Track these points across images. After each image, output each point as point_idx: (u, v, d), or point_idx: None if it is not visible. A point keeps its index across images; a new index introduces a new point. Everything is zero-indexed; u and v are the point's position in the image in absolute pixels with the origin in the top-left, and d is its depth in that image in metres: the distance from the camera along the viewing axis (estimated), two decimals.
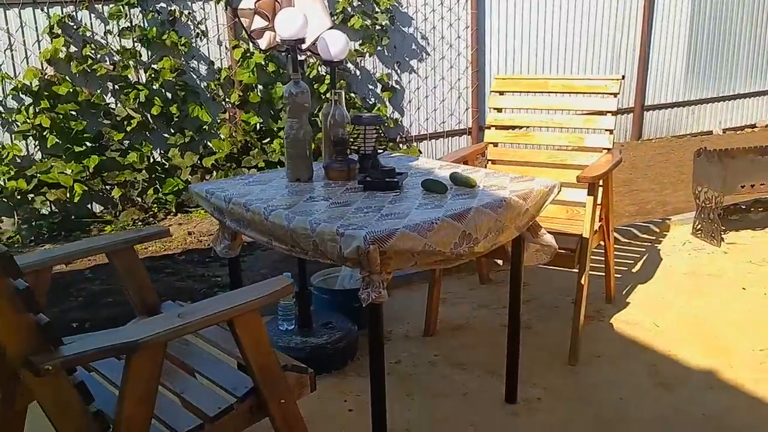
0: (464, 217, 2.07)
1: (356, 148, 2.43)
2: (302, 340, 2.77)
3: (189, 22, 5.41)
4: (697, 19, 8.08)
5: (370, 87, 6.54)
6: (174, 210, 5.17)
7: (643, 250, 3.99)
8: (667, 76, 8.14)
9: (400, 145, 6.64)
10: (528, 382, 2.65)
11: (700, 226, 4.09)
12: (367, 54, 6.35)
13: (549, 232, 2.87)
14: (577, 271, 2.82)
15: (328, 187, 2.38)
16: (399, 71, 6.67)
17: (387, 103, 6.57)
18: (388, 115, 6.58)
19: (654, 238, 4.16)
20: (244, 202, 2.19)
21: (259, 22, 2.50)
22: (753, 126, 8.78)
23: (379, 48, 6.39)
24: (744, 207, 4.15)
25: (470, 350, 2.94)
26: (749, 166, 3.88)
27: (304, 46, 2.48)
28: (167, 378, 1.81)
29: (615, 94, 3.10)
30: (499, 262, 3.66)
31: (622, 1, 7.64)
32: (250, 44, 5.51)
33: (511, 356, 2.55)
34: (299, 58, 2.39)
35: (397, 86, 6.68)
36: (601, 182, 2.92)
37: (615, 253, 3.91)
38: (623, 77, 3.17)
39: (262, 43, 2.53)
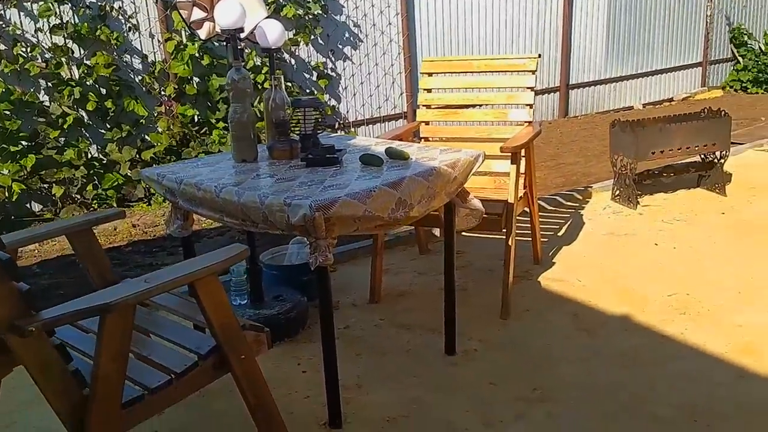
0: (399, 185, 2.29)
1: (297, 129, 2.62)
2: (255, 312, 2.95)
3: (120, 17, 5.44)
4: (614, 1, 8.53)
5: (307, 75, 6.69)
6: (115, 205, 5.22)
7: (568, 215, 4.32)
8: (588, 56, 8.57)
9: (339, 131, 6.83)
10: (465, 336, 2.90)
11: (618, 191, 4.45)
12: (302, 43, 6.50)
13: (484, 201, 3.15)
14: (505, 236, 3.08)
15: (273, 166, 2.56)
16: (333, 59, 6.84)
17: (324, 91, 6.74)
18: (326, 102, 6.75)
19: (578, 204, 4.50)
20: (195, 182, 2.36)
21: (198, 14, 2.65)
22: (671, 100, 9.34)
23: (312, 37, 6.55)
24: (657, 172, 4.53)
25: (412, 313, 3.18)
26: (658, 134, 4.25)
27: (243, 35, 2.64)
28: (135, 344, 1.97)
29: (533, 72, 3.37)
30: (436, 232, 3.95)
31: None
32: (184, 36, 5.59)
33: (448, 313, 2.80)
34: (239, 46, 2.55)
35: (333, 74, 6.86)
36: (523, 153, 3.20)
37: (542, 220, 4.25)
38: (540, 56, 3.45)
39: (202, 33, 2.68)
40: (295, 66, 6.59)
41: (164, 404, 1.90)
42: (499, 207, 3.07)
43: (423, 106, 3.59)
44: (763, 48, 9.67)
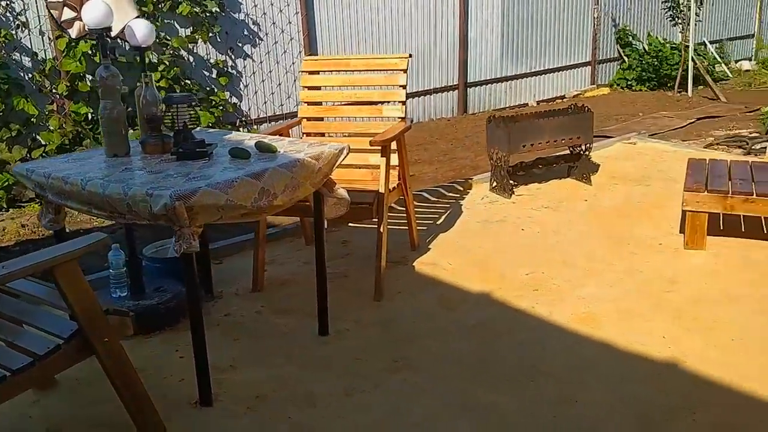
0: (262, 175, 2.47)
1: (170, 124, 2.75)
2: (135, 303, 3.05)
3: (8, 14, 5.34)
4: (508, 4, 8.97)
5: (206, 73, 6.73)
6: (5, 206, 5.14)
7: (448, 206, 4.61)
8: (485, 55, 8.98)
9: (240, 128, 6.91)
10: (339, 318, 3.11)
11: (495, 182, 4.78)
12: (200, 41, 6.54)
13: (354, 191, 3.36)
14: (384, 224, 3.30)
15: (145, 160, 2.69)
16: (233, 57, 6.91)
17: (224, 89, 6.80)
18: (227, 100, 6.82)
19: (458, 195, 4.80)
20: (62, 176, 2.45)
21: (68, 13, 2.73)
22: (563, 97, 9.88)
23: (211, 34, 6.60)
24: (529, 164, 4.89)
25: (293, 299, 3.36)
26: (528, 129, 4.60)
27: (112, 34, 2.74)
28: (6, 333, 2.07)
29: (404, 70, 3.61)
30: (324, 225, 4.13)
31: None
32: None
33: (320, 296, 3.00)
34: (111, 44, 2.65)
35: (233, 71, 6.93)
36: (395, 147, 3.44)
37: (424, 210, 4.52)
38: (410, 56, 3.70)
39: (73, 32, 2.77)
40: (194, 63, 6.62)
41: (28, 385, 2.01)
42: (371, 196, 3.29)
43: (304, 103, 3.77)
44: (646, 48, 10.38)
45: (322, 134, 3.88)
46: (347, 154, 2.86)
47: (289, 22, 7.24)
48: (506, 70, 9.25)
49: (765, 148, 5.44)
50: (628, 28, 10.57)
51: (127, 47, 5.10)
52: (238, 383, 2.66)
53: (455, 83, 8.79)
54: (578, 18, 9.88)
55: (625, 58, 10.45)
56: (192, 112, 2.75)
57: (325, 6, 7.51)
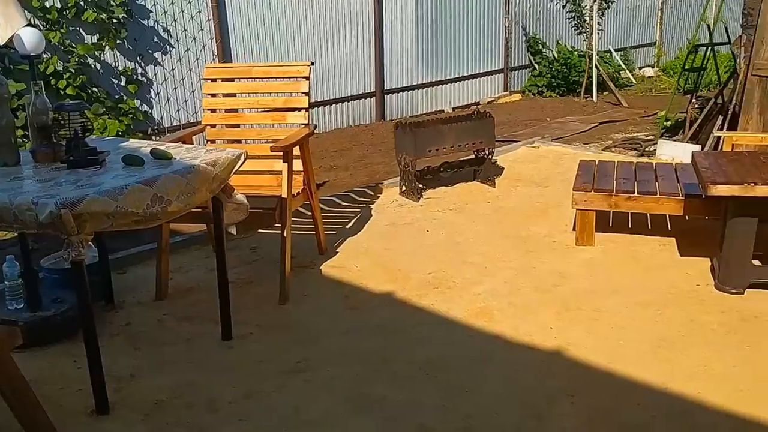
0: (155, 182, 2.48)
1: (63, 133, 2.71)
2: (31, 315, 2.99)
3: None
4: (422, 13, 9.18)
5: (114, 81, 6.60)
6: None
7: (359, 210, 4.70)
8: (401, 63, 9.15)
9: (152, 137, 6.79)
10: (244, 323, 3.14)
11: (404, 187, 4.91)
12: (108, 48, 6.41)
13: (258, 197, 3.40)
14: (287, 229, 3.35)
15: (35, 169, 2.65)
16: (143, 64, 6.81)
17: (134, 96, 6.68)
18: (137, 108, 6.70)
19: (369, 200, 4.90)
20: None
21: None
22: (477, 103, 10.18)
23: (119, 41, 6.47)
24: (437, 168, 5.04)
25: (197, 306, 3.37)
26: (434, 134, 4.75)
27: (0, 42, 2.69)
28: None
29: (307, 78, 3.68)
30: (232, 231, 4.15)
31: (356, 2, 8.44)
32: None
33: (222, 301, 3.02)
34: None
35: (143, 79, 6.82)
36: (298, 153, 3.50)
37: (334, 214, 4.59)
38: (312, 63, 3.78)
39: None
40: (101, 71, 6.48)
41: None
42: (274, 201, 3.34)
43: (207, 110, 3.79)
44: (555, 56, 10.83)
45: (239, 141, 3.90)
46: (245, 160, 2.90)
47: (201, 29, 7.18)
48: (422, 77, 9.46)
49: (655, 149, 5.80)
50: (538, 36, 11.00)
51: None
52: (137, 391, 2.65)
53: (372, 90, 8.93)
54: (490, 27, 10.22)
55: (536, 66, 10.87)
56: (84, 120, 2.73)
57: (239, 13, 7.49)
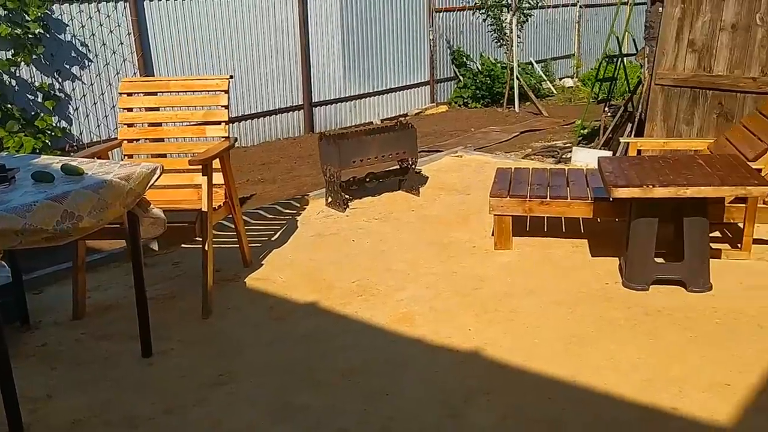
0: (65, 198, 2.44)
1: None
2: None
3: None
4: (348, 27, 9.28)
5: (30, 97, 6.40)
6: None
7: (284, 222, 4.72)
8: (328, 76, 9.21)
9: (71, 153, 6.61)
10: (165, 339, 3.11)
11: (330, 197, 4.95)
12: (23, 63, 6.22)
13: (179, 211, 3.38)
14: (209, 242, 3.34)
15: None
16: (61, 80, 6.63)
17: (52, 113, 6.49)
18: (54, 125, 6.51)
19: (295, 211, 4.92)
20: None
21: None
22: (405, 115, 10.34)
23: (35, 57, 6.29)
24: (362, 179, 5.11)
25: (116, 324, 3.31)
26: (358, 145, 4.83)
27: None
28: None
29: (225, 91, 3.69)
30: (154, 246, 4.10)
31: (279, 11, 8.48)
32: None
33: (141, 317, 2.98)
34: None
35: (61, 94, 6.64)
36: (218, 166, 3.50)
37: (260, 227, 4.59)
38: (231, 77, 3.79)
39: None
40: (16, 88, 6.27)
41: None
42: (194, 215, 3.33)
43: (124, 124, 3.74)
44: (479, 68, 11.13)
45: (150, 155, 3.87)
46: (161, 174, 2.89)
47: (121, 43, 7.06)
48: (350, 90, 9.55)
49: (571, 156, 6.06)
50: (462, 49, 11.28)
51: None
52: (54, 411, 2.59)
53: (300, 103, 8.96)
54: (416, 40, 10.43)
55: (461, 78, 11.14)
56: None
57: (160, 27, 7.40)
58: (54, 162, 2.96)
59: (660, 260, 3.47)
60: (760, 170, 3.49)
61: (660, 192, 3.11)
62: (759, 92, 4.49)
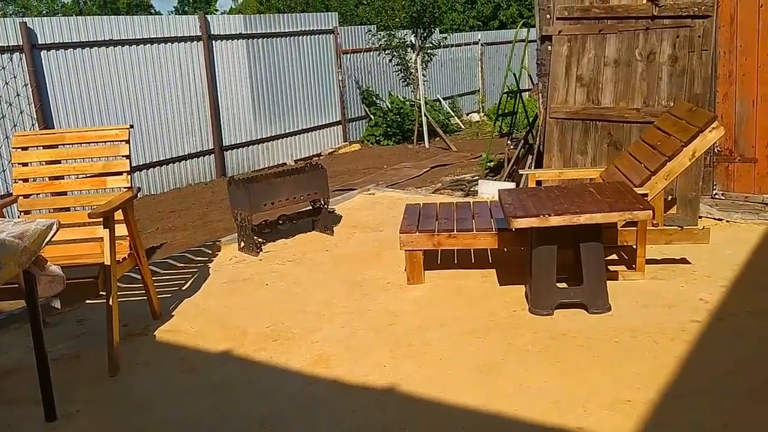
0: None
1: None
2: None
3: None
4: (255, 72, 9.33)
5: None
6: None
7: (196, 270, 4.63)
8: (238, 120, 9.20)
9: None
10: (69, 401, 2.97)
11: (242, 242, 4.91)
12: None
13: (80, 266, 3.27)
14: (113, 297, 3.23)
15: None
16: None
17: None
18: None
19: (207, 258, 4.85)
20: None
21: None
22: (319, 155, 10.43)
23: None
24: (274, 221, 5.10)
25: (18, 388, 3.14)
26: (268, 188, 4.83)
27: None
28: None
29: (126, 141, 3.63)
30: (56, 305, 3.93)
31: (184, 58, 8.43)
32: None
33: (42, 379, 2.85)
34: None
35: None
36: (121, 217, 3.43)
37: (169, 277, 4.49)
38: (131, 126, 3.74)
39: None
40: None
41: None
42: (96, 270, 3.23)
43: (19, 180, 3.61)
44: (389, 106, 11.40)
45: (50, 210, 3.74)
46: (57, 229, 2.79)
47: (18, 95, 6.84)
48: (261, 132, 9.57)
49: (477, 189, 6.27)
50: (371, 89, 11.54)
51: None
52: None
53: (210, 147, 8.89)
54: (325, 81, 10.59)
55: (372, 116, 11.38)
56: None
57: (59, 77, 7.22)
58: None
59: (562, 285, 3.63)
60: (646, 195, 3.73)
61: (555, 220, 3.28)
62: (643, 122, 4.82)
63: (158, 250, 5.52)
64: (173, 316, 3.87)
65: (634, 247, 3.93)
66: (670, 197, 4.62)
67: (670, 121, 4.14)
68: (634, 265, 3.93)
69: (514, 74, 7.34)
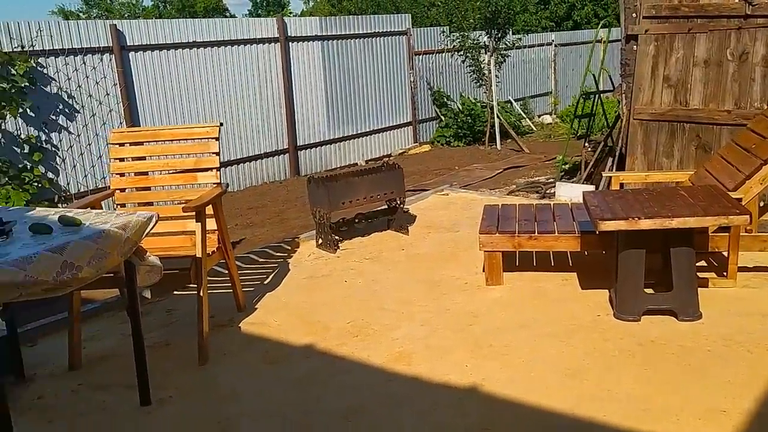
0: (64, 249, 2.46)
1: None
2: None
3: None
4: (329, 73, 9.46)
5: (17, 149, 6.43)
6: None
7: (276, 265, 4.74)
8: (312, 121, 9.36)
9: (59, 204, 6.62)
10: (162, 387, 3.10)
11: (320, 239, 4.99)
12: (9, 116, 6.26)
13: (173, 258, 3.40)
14: (204, 288, 3.35)
15: None
16: (48, 131, 6.68)
17: (38, 164, 6.52)
18: (41, 176, 6.53)
19: (286, 254, 4.95)
20: None
21: None
22: (389, 155, 10.49)
23: (21, 110, 6.34)
24: (351, 219, 5.17)
25: (113, 374, 3.29)
26: (346, 187, 4.89)
27: None
28: None
29: (216, 138, 3.75)
30: (146, 294, 4.10)
31: (263, 60, 8.63)
32: None
33: (139, 366, 2.98)
34: None
35: (48, 146, 6.68)
36: (211, 212, 3.54)
37: (251, 270, 4.61)
38: (221, 124, 3.85)
39: None
40: (3, 141, 6.31)
41: None
42: (188, 262, 3.35)
43: (116, 174, 3.78)
44: (460, 107, 11.35)
45: (143, 204, 3.90)
46: (156, 222, 2.92)
47: (107, 94, 7.15)
48: (334, 132, 9.70)
49: (554, 191, 6.17)
50: (442, 90, 11.51)
51: None
52: None
53: (285, 147, 9.07)
54: (397, 83, 10.64)
55: (442, 117, 11.35)
56: None
57: (146, 77, 7.51)
58: (50, 213, 2.98)
59: (649, 291, 3.53)
60: (740, 199, 3.59)
61: (646, 224, 3.19)
62: (734, 124, 4.64)
63: (238, 245, 5.67)
64: (256, 309, 3.97)
65: (725, 253, 3.79)
66: (762, 203, 4.43)
67: (765, 123, 3.97)
68: (725, 272, 3.79)
69: (593, 75, 7.18)
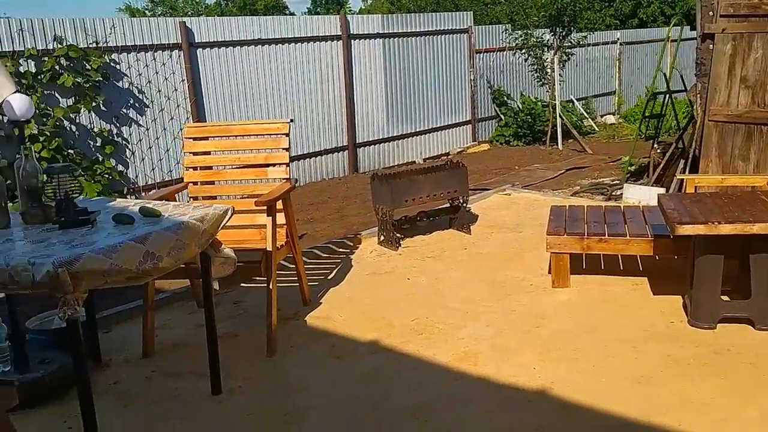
0: (146, 239, 2.55)
1: (52, 194, 2.77)
2: (20, 377, 2.98)
3: None
4: (390, 71, 9.47)
5: (90, 142, 6.66)
6: None
7: (339, 260, 4.79)
8: (372, 119, 9.38)
9: (128, 196, 6.83)
10: (232, 376, 3.17)
11: (382, 236, 5.02)
12: (84, 110, 6.50)
13: (243, 251, 3.47)
14: (273, 281, 3.41)
15: (26, 230, 2.69)
16: (119, 125, 6.90)
17: (109, 157, 6.74)
18: (113, 168, 6.75)
19: (348, 250, 4.99)
20: None
21: None
22: (447, 154, 10.43)
23: (94, 104, 6.57)
24: (413, 217, 5.17)
25: (184, 362, 3.38)
26: (409, 185, 4.90)
27: None
28: None
29: (287, 134, 3.81)
30: (216, 286, 4.20)
31: (325, 58, 8.71)
32: None
33: (211, 355, 3.05)
34: None
35: (119, 139, 6.90)
36: (281, 207, 3.60)
37: (315, 265, 4.66)
38: (292, 120, 3.91)
39: None
40: (77, 133, 6.54)
41: None
42: (259, 255, 3.41)
43: (189, 168, 3.88)
44: (520, 106, 11.20)
45: (214, 197, 3.99)
46: (232, 214, 2.98)
47: (175, 90, 7.33)
48: (393, 130, 9.70)
49: (621, 193, 6.03)
50: (502, 89, 11.38)
51: (6, 120, 5.05)
52: None
53: (345, 144, 9.12)
54: (457, 81, 10.56)
55: (502, 116, 11.22)
56: (73, 182, 2.79)
57: (212, 73, 7.67)
58: (130, 205, 3.08)
59: (725, 298, 3.42)
60: None
61: (726, 229, 3.08)
62: None
63: (300, 240, 5.73)
64: (321, 303, 4.01)
65: None
66: None
67: None
68: None
69: (664, 74, 6.98)
